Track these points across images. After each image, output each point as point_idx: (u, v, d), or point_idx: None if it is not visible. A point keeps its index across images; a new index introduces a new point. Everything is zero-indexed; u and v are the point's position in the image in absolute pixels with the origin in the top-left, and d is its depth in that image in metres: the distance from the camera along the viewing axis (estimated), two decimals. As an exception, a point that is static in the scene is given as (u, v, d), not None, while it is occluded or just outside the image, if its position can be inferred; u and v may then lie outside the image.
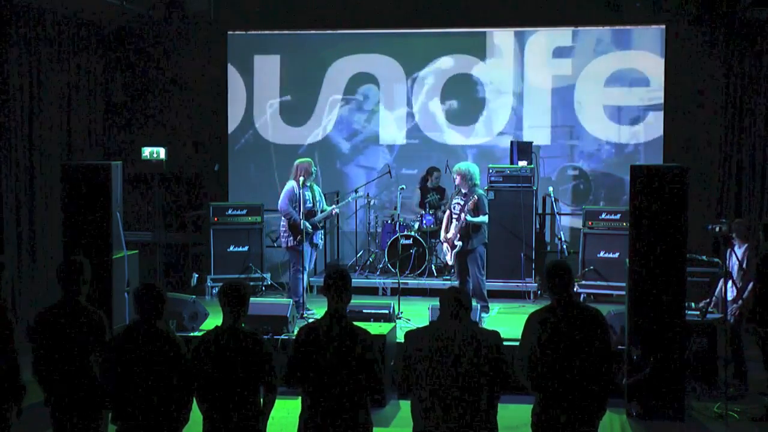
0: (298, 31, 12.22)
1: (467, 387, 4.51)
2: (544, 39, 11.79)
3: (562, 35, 11.74)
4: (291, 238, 9.23)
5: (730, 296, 7.80)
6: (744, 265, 7.81)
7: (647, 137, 11.59)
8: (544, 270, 4.98)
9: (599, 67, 11.66)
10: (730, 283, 7.77)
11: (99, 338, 5.12)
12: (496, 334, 4.72)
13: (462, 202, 9.00)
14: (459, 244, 8.99)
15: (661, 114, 11.49)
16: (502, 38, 11.89)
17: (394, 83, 12.15)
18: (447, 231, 9.18)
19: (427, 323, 7.84)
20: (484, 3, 11.50)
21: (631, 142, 11.66)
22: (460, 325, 4.62)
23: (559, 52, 11.74)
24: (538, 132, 11.80)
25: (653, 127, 11.55)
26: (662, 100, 11.45)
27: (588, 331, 4.77)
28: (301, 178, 9.14)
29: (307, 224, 9.13)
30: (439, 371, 4.53)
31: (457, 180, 9.03)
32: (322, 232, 9.67)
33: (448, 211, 9.27)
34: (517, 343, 6.97)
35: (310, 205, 9.21)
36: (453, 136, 12.06)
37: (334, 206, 9.53)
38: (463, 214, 8.87)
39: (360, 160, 12.31)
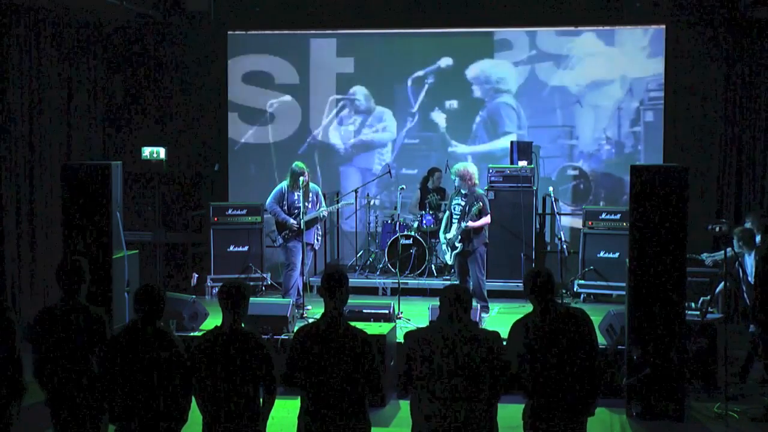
0: (298, 31, 12.23)
1: (466, 387, 4.50)
2: (543, 39, 11.80)
3: (563, 35, 11.77)
4: (278, 236, 9.53)
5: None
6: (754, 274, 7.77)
7: (647, 137, 11.61)
8: (524, 277, 4.96)
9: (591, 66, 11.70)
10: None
11: (99, 337, 5.12)
12: (495, 334, 4.71)
13: (463, 203, 9.00)
14: (459, 246, 8.99)
15: (660, 114, 11.50)
16: (502, 38, 11.89)
17: (394, 83, 12.15)
18: (447, 231, 9.18)
19: (427, 323, 7.88)
20: (484, 3, 11.49)
21: (630, 141, 11.69)
22: (459, 325, 4.61)
23: (558, 52, 11.76)
24: (538, 132, 11.81)
25: (653, 127, 11.57)
26: (662, 101, 11.47)
27: (572, 333, 4.76)
28: (301, 179, 9.27)
29: (293, 222, 9.30)
30: (438, 371, 4.52)
31: (458, 181, 9.04)
32: (318, 232, 9.71)
33: (448, 212, 9.28)
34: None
35: (298, 204, 9.28)
36: (453, 137, 12.06)
37: (323, 210, 9.60)
38: (464, 223, 8.87)
39: (359, 160, 12.31)
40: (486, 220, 9.01)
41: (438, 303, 4.84)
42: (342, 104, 12.27)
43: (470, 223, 8.87)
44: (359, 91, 12.21)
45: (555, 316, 4.80)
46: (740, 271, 8.03)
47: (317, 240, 9.73)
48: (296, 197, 9.34)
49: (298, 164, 9.49)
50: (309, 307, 9.47)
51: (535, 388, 4.76)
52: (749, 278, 7.93)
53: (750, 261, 8.00)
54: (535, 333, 4.77)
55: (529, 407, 4.83)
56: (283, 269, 9.77)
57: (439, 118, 12.08)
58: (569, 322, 4.80)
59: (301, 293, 9.52)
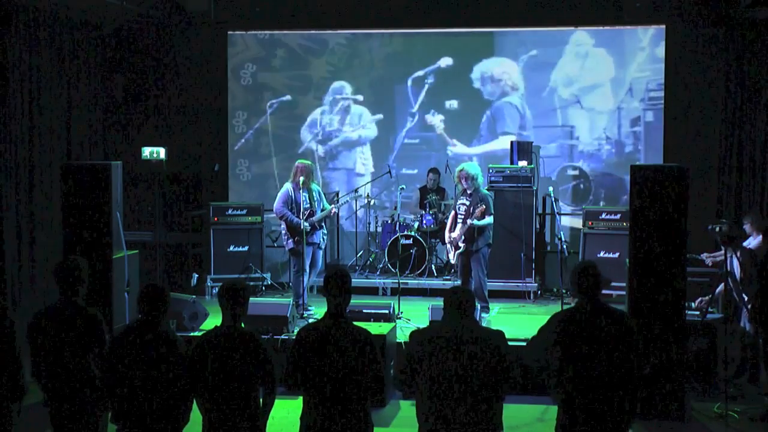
0: (298, 31, 12.23)
1: (471, 387, 4.49)
2: (543, 39, 11.81)
3: (562, 35, 11.77)
4: (290, 240, 9.26)
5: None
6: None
7: (647, 137, 11.61)
8: (573, 270, 4.92)
9: (591, 66, 11.70)
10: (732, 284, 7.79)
11: (97, 338, 5.12)
12: (500, 334, 4.69)
13: (467, 203, 8.99)
14: (463, 245, 8.99)
15: (661, 114, 11.51)
16: (502, 38, 11.90)
17: (394, 83, 12.16)
18: (451, 231, 9.17)
19: (428, 323, 7.88)
20: (484, 3, 11.50)
21: (630, 141, 11.70)
22: (463, 324, 4.60)
23: (558, 52, 11.77)
24: (538, 132, 11.81)
25: (653, 127, 11.57)
26: (662, 101, 11.48)
27: (613, 334, 4.71)
28: (301, 178, 9.17)
29: (306, 224, 9.14)
30: (442, 371, 4.51)
31: (462, 181, 9.03)
32: (324, 231, 9.66)
33: (453, 212, 9.27)
34: (520, 343, 7.01)
35: (307, 205, 9.22)
36: (453, 137, 12.06)
37: (332, 206, 9.54)
38: (469, 220, 8.86)
39: (359, 160, 12.30)
40: (489, 220, 9.00)
41: (438, 303, 4.83)
42: (341, 104, 12.27)
43: (473, 224, 8.86)
44: (359, 91, 12.21)
45: (596, 314, 4.76)
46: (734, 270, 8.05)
47: (323, 239, 9.64)
48: (303, 198, 9.26)
49: (302, 161, 9.42)
50: (311, 310, 9.40)
51: (566, 388, 4.72)
52: (735, 276, 7.95)
53: (734, 261, 7.99)
54: (572, 327, 4.74)
55: (562, 412, 4.78)
56: (287, 270, 9.69)
57: (439, 118, 12.08)
58: (610, 323, 4.74)
59: (305, 294, 9.46)
